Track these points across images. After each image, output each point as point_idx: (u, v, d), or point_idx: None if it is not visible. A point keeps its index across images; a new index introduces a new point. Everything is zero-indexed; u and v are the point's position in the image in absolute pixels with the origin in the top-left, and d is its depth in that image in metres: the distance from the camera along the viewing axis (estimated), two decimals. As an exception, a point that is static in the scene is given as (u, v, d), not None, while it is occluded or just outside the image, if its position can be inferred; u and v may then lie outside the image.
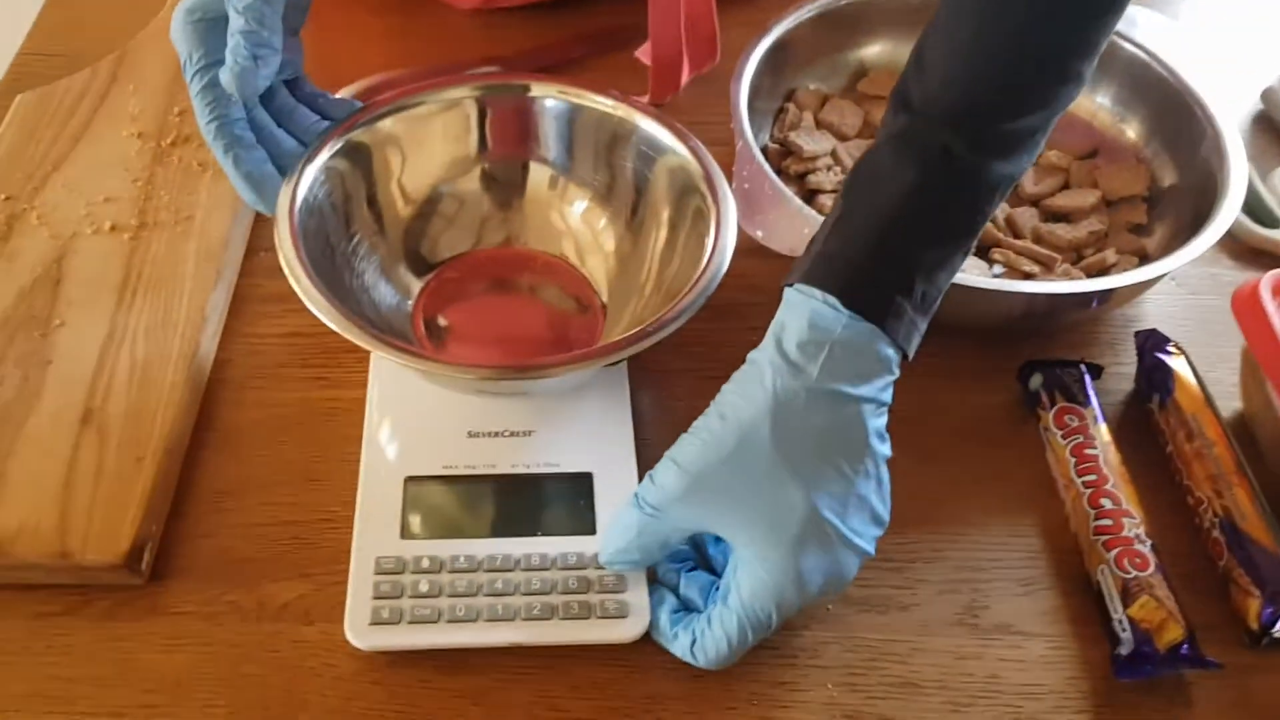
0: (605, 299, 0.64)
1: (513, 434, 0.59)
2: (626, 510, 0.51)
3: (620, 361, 0.57)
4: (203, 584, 0.54)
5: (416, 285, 0.64)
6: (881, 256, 0.49)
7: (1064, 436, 0.60)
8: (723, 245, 0.57)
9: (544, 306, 0.65)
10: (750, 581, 0.49)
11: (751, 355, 0.51)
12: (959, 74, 0.49)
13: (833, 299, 0.48)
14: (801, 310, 0.49)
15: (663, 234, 0.62)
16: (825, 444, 0.48)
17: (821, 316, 0.48)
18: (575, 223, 0.66)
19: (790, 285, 0.50)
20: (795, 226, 0.63)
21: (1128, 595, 0.53)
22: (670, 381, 0.64)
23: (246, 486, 0.58)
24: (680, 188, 0.62)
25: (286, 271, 0.54)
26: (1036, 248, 0.70)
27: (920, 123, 0.49)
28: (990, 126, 0.49)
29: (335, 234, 0.60)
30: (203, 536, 0.56)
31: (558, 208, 0.67)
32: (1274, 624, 0.53)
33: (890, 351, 0.49)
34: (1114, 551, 0.54)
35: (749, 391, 0.49)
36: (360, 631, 0.51)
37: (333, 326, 0.52)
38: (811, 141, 0.74)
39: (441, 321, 0.63)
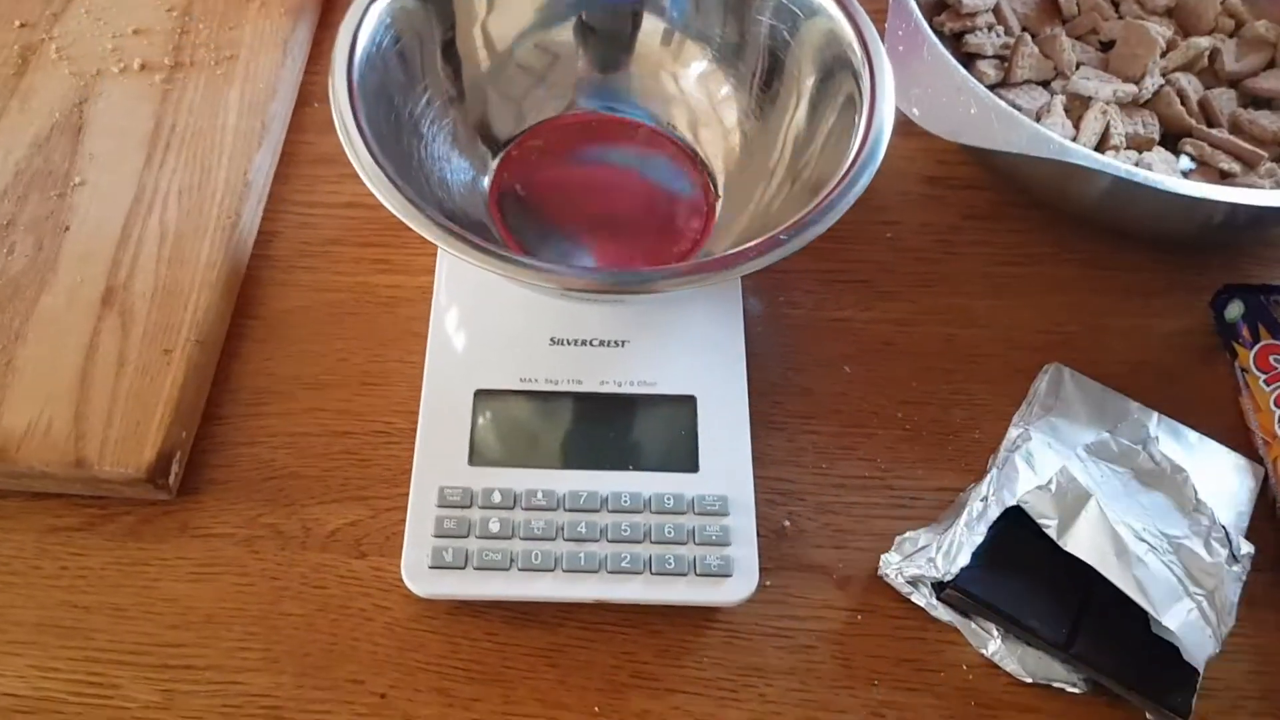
0: (722, 184, 0.53)
1: (603, 344, 0.49)
2: None
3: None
4: (239, 502, 0.47)
5: (495, 158, 0.54)
6: None
7: (1268, 382, 0.50)
8: (878, 131, 0.46)
9: (647, 188, 0.54)
10: None
11: None
12: None
13: None
14: None
15: (801, 110, 0.51)
16: None
17: None
18: (691, 88, 0.55)
19: None
20: (960, 103, 0.51)
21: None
22: (789, 284, 0.54)
23: (293, 387, 0.50)
24: (828, 56, 0.49)
25: (342, 137, 0.44)
26: (1236, 140, 0.57)
27: None
28: None
29: (402, 91, 0.49)
30: (241, 445, 0.48)
31: (670, 69, 0.55)
32: None
33: None
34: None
35: None
36: (419, 575, 0.43)
37: (393, 210, 0.42)
38: (972, -8, 0.61)
39: (522, 201, 0.53)
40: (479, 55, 0.53)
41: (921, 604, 0.45)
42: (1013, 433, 0.49)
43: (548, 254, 0.51)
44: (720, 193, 0.53)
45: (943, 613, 0.45)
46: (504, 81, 0.54)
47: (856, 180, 0.45)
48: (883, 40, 0.48)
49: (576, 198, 0.54)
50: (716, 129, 0.54)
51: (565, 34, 0.54)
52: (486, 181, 0.53)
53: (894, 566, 0.46)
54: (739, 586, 0.44)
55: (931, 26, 0.58)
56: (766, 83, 0.52)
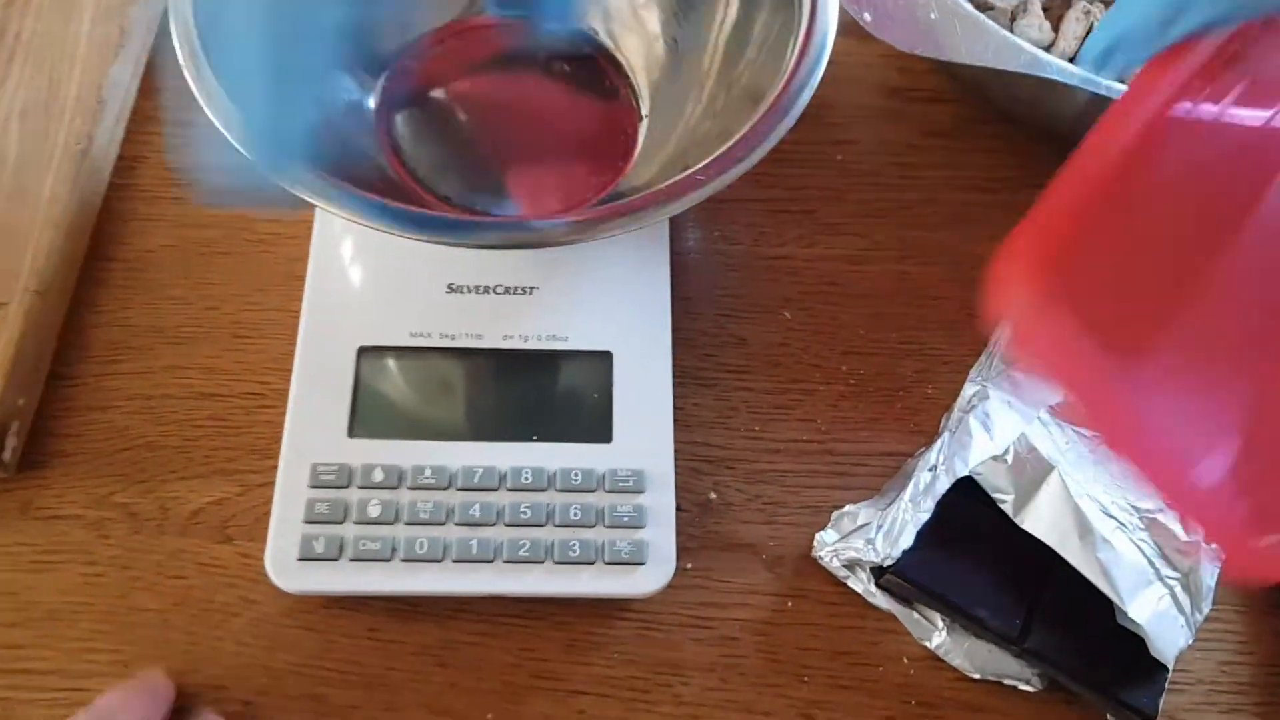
0: (648, 100, 0.46)
1: (508, 290, 0.43)
2: None
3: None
4: (89, 478, 0.41)
5: (381, 75, 0.46)
6: None
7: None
8: (820, 35, 0.39)
9: (561, 107, 0.47)
10: None
11: None
12: None
13: None
14: None
15: (732, 12, 0.44)
16: None
17: None
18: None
19: None
20: (919, 5, 0.44)
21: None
22: (725, 216, 0.48)
23: (153, 341, 0.44)
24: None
25: (181, 58, 0.37)
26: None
27: None
28: None
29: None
30: (92, 410, 0.42)
31: (582, -36, 0.47)
32: None
33: None
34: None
35: None
36: (285, 569, 0.38)
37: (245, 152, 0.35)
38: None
39: (415, 125, 0.45)
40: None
41: (859, 590, 0.40)
42: (968, 390, 0.43)
43: (447, 187, 0.44)
44: (646, 110, 0.46)
45: (882, 600, 0.40)
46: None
47: (793, 102, 0.38)
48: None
49: (479, 120, 0.47)
50: (639, 34, 0.47)
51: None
52: (372, 103, 0.45)
53: (829, 548, 0.41)
54: (653, 576, 0.39)
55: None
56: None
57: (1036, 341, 0.29)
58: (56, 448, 0.42)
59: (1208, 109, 0.32)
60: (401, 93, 0.46)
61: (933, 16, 0.44)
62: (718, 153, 0.37)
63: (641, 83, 0.47)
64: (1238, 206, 0.32)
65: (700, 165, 0.37)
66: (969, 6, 0.44)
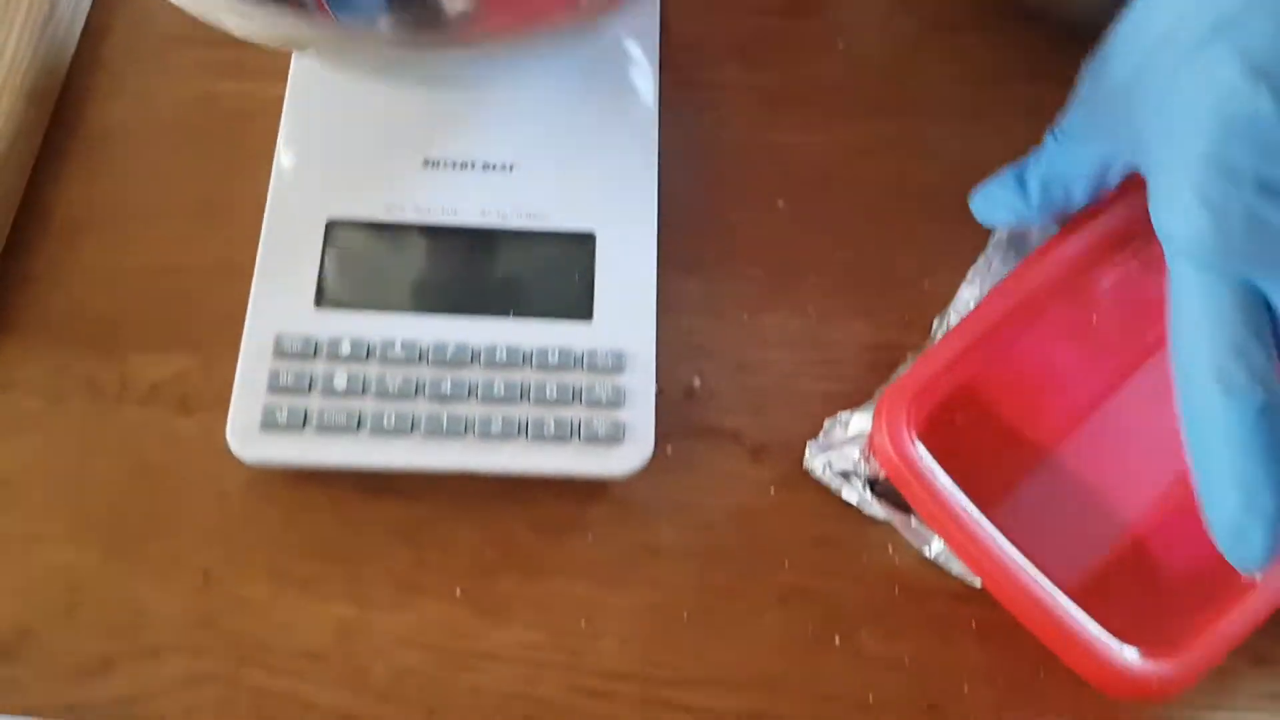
0: None
1: (487, 167, 0.41)
2: None
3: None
4: (47, 349, 0.40)
5: None
6: None
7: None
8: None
9: None
10: None
11: None
12: None
13: None
14: None
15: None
16: None
17: None
18: None
19: None
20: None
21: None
22: (718, 102, 0.46)
23: (116, 216, 0.42)
24: None
25: None
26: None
27: None
28: None
29: None
30: (50, 283, 0.41)
31: None
32: None
33: None
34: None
35: None
36: (247, 438, 0.36)
37: None
38: None
39: None
40: None
41: (854, 500, 0.38)
42: (964, 293, 0.42)
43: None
44: None
45: (879, 510, 0.38)
46: None
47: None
48: None
49: None
50: None
51: None
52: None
53: (821, 458, 0.39)
54: (630, 455, 0.37)
55: None
56: None
57: (908, 483, 0.36)
58: (12, 319, 0.40)
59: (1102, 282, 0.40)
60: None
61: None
62: None
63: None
64: (1093, 395, 0.39)
65: None
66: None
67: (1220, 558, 0.31)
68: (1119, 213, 0.40)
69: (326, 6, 0.41)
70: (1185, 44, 0.31)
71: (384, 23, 0.41)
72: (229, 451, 0.37)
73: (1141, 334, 0.39)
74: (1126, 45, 0.34)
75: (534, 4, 0.35)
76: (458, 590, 0.37)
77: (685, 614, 0.37)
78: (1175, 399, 0.32)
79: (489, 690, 0.36)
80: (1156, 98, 0.32)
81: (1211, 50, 0.30)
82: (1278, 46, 0.29)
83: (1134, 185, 0.40)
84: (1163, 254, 0.32)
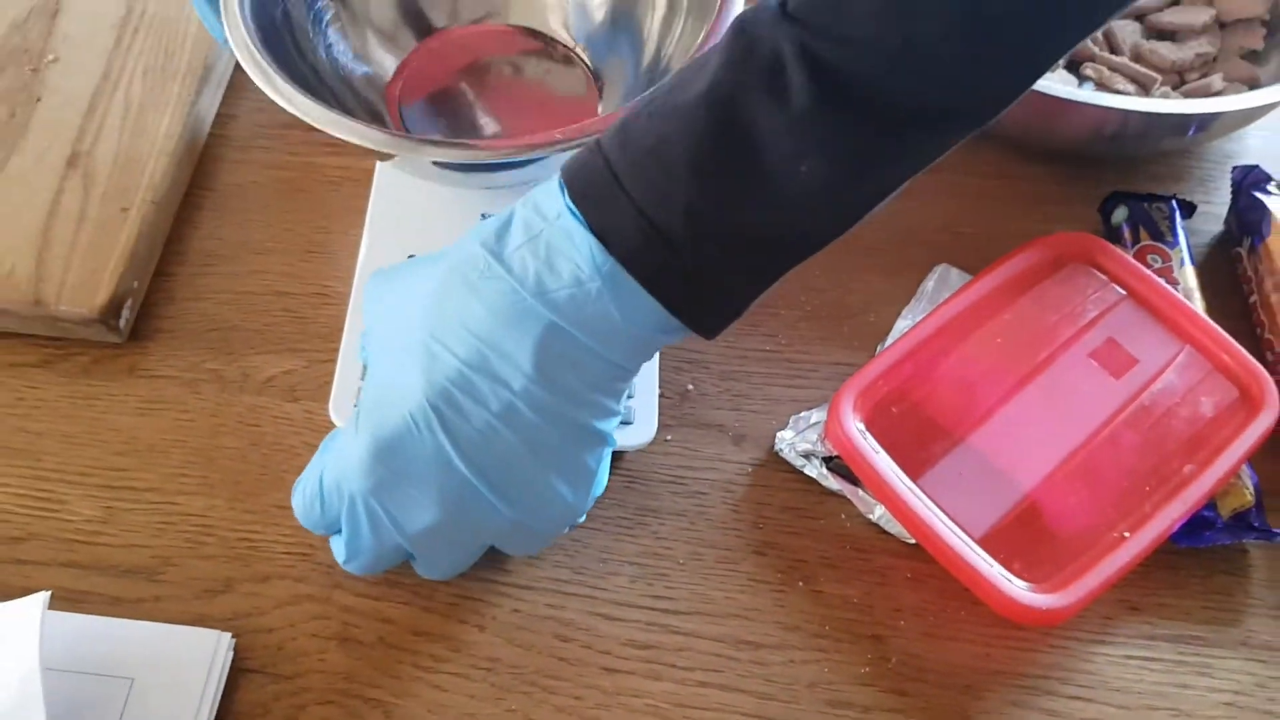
0: (602, 76, 0.57)
1: (529, 220, 0.53)
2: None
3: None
4: (185, 349, 0.51)
5: (389, 63, 0.56)
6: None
7: (1143, 278, 0.54)
8: (729, 9, 0.49)
9: (531, 89, 0.58)
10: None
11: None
12: None
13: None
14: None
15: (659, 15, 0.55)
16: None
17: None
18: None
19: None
20: None
21: (1191, 455, 0.48)
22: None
23: (240, 252, 0.54)
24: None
25: (236, 50, 0.47)
26: (1135, 65, 0.62)
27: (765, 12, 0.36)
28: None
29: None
30: (188, 300, 0.52)
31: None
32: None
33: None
34: (1182, 406, 0.49)
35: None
36: (345, 411, 0.47)
37: (284, 104, 0.46)
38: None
39: (418, 113, 0.56)
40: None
41: (813, 475, 0.49)
42: (900, 324, 0.53)
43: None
44: (602, 83, 0.57)
45: (833, 483, 0.49)
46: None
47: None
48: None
49: (474, 105, 0.57)
50: (586, 22, 0.58)
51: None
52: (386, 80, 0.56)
53: (787, 442, 0.50)
54: (639, 433, 0.48)
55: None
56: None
57: (855, 459, 0.46)
58: (159, 325, 0.52)
59: (1005, 314, 0.51)
60: (405, 87, 0.56)
61: None
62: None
63: (594, 59, 0.57)
64: (998, 396, 0.49)
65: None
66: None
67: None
68: (1018, 264, 0.52)
69: (402, 124, 0.54)
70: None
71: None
72: (327, 429, 0.47)
73: (1036, 352, 0.50)
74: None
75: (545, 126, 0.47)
76: (503, 535, 0.47)
77: (680, 560, 0.47)
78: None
79: (526, 613, 0.45)
80: None
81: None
82: None
83: (1029, 245, 0.52)
84: (1052, 292, 0.45)
